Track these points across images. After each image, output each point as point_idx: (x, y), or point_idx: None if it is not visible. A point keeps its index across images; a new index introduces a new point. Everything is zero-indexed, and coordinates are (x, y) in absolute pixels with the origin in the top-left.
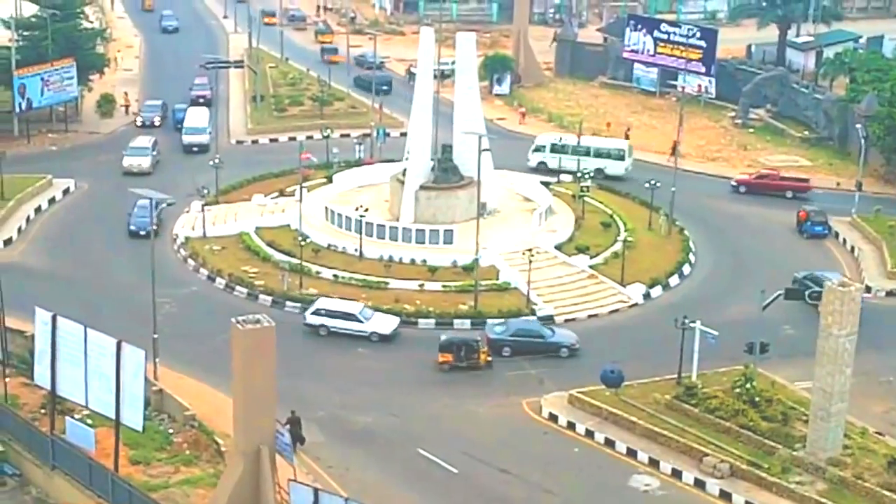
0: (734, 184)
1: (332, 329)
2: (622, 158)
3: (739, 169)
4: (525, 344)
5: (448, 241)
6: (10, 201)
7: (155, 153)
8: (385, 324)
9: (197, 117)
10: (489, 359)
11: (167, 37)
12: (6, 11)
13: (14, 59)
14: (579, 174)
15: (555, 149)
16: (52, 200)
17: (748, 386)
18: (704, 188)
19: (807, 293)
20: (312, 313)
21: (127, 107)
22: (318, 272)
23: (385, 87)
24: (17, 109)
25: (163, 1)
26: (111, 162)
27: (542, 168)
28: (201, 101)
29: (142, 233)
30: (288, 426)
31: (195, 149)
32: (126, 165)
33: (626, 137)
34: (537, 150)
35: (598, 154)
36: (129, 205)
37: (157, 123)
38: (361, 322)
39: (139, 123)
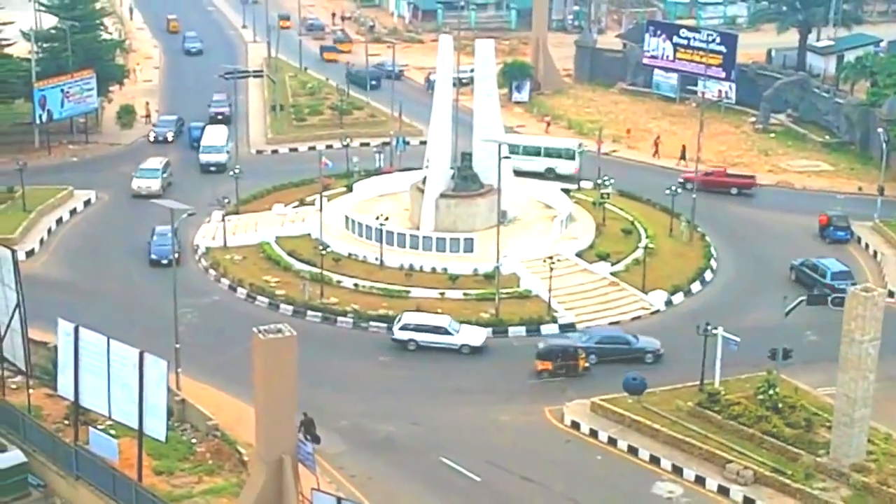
0: (681, 180)
1: (422, 343)
2: (573, 158)
3: (760, 174)
4: (611, 351)
5: (468, 249)
6: (31, 213)
7: (166, 175)
8: (475, 335)
9: (215, 135)
10: (587, 365)
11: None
12: (26, 23)
13: (34, 71)
14: (599, 181)
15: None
16: (73, 212)
17: (771, 392)
18: (726, 194)
19: (829, 299)
20: (400, 328)
21: (148, 116)
22: (339, 281)
23: (374, 83)
24: (38, 121)
25: (183, 16)
26: (132, 173)
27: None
28: (220, 118)
29: (164, 262)
30: (302, 428)
31: (212, 168)
32: (135, 188)
33: (656, 146)
34: None
35: (549, 154)
36: (149, 217)
37: (169, 139)
38: (452, 334)
39: (152, 139)
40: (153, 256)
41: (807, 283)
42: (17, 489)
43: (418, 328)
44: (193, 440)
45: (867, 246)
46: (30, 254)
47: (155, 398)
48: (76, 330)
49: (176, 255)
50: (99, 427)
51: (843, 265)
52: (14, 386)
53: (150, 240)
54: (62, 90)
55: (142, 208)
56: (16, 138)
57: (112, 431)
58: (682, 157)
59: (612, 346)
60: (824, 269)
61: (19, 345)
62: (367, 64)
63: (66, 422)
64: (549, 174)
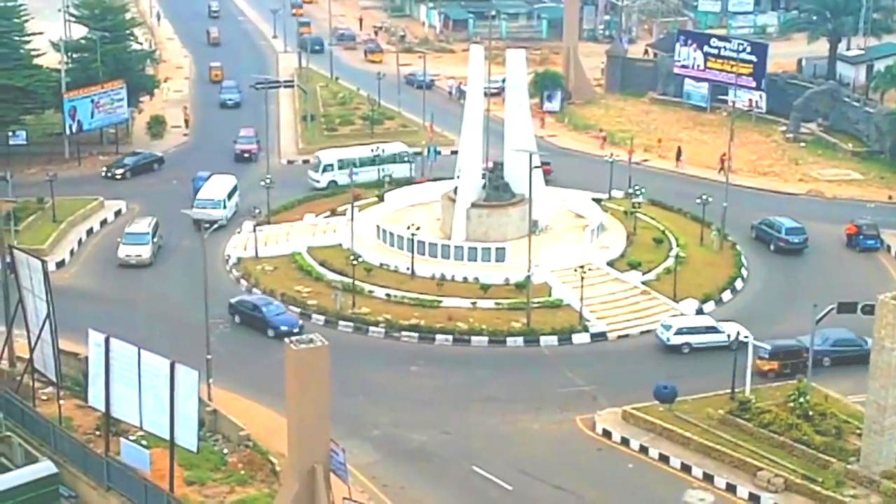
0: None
1: (696, 345)
2: (406, 161)
3: (791, 184)
4: (845, 353)
5: (500, 258)
6: (61, 223)
7: (156, 239)
8: (737, 329)
9: (214, 188)
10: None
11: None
12: (56, 34)
13: (64, 82)
14: (630, 190)
15: (343, 165)
16: (103, 223)
17: (802, 400)
18: (756, 203)
19: (859, 307)
20: (676, 334)
21: (187, 122)
22: (370, 291)
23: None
24: (68, 132)
25: (217, 29)
26: (162, 183)
27: (332, 187)
28: (246, 156)
29: (295, 331)
30: None
31: (206, 225)
32: (122, 256)
33: (679, 155)
34: (326, 169)
35: (384, 161)
36: (181, 229)
37: (118, 176)
38: (721, 332)
39: (103, 174)
40: (283, 328)
41: (764, 238)
42: (48, 500)
43: (692, 331)
44: (225, 450)
45: None
46: (60, 265)
47: (186, 409)
48: (107, 340)
49: (302, 324)
50: (130, 438)
51: (796, 222)
52: (45, 397)
53: (260, 313)
54: (92, 101)
55: (172, 218)
56: (46, 149)
57: (143, 442)
58: (678, 157)
59: (847, 349)
60: (779, 226)
61: (50, 356)
62: (399, 74)
63: (98, 433)
64: (387, 180)
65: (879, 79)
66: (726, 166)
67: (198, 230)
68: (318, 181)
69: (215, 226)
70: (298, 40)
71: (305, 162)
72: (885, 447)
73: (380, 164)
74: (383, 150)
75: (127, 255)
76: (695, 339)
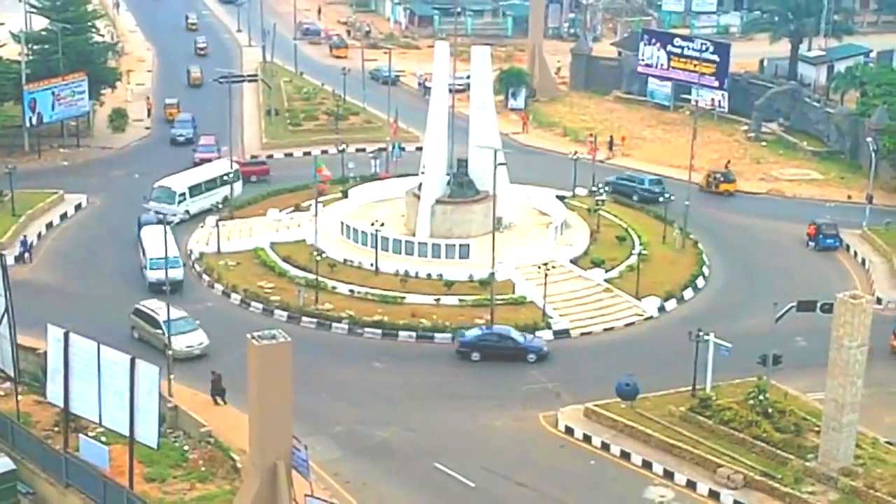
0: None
1: None
2: (239, 179)
3: (752, 182)
4: None
5: (464, 255)
6: (20, 217)
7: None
8: None
9: (160, 243)
10: None
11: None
12: (16, 25)
13: (24, 74)
14: (594, 188)
15: (193, 192)
16: (63, 216)
17: (761, 397)
18: (718, 202)
19: (819, 305)
20: None
21: (150, 110)
22: (334, 287)
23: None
24: (28, 124)
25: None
26: (124, 177)
27: (186, 219)
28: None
29: (548, 350)
30: (211, 388)
31: (165, 288)
32: (183, 349)
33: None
34: (181, 200)
35: (223, 182)
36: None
37: None
38: None
39: None
40: (544, 350)
41: (626, 192)
42: (5, 497)
43: None
44: (186, 447)
45: (856, 254)
46: (19, 258)
47: (147, 405)
48: (66, 335)
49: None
50: (89, 434)
51: (655, 175)
52: (2, 392)
53: (513, 341)
54: (53, 93)
55: (133, 212)
56: (5, 141)
57: (103, 439)
58: (611, 146)
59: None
60: (641, 179)
61: (8, 351)
62: (364, 70)
63: (56, 429)
64: (226, 203)
65: (839, 79)
66: (690, 165)
67: (154, 293)
68: (174, 213)
69: (177, 220)
70: None
71: (269, 157)
72: (843, 444)
73: (221, 185)
74: (218, 172)
75: (189, 347)
76: None
